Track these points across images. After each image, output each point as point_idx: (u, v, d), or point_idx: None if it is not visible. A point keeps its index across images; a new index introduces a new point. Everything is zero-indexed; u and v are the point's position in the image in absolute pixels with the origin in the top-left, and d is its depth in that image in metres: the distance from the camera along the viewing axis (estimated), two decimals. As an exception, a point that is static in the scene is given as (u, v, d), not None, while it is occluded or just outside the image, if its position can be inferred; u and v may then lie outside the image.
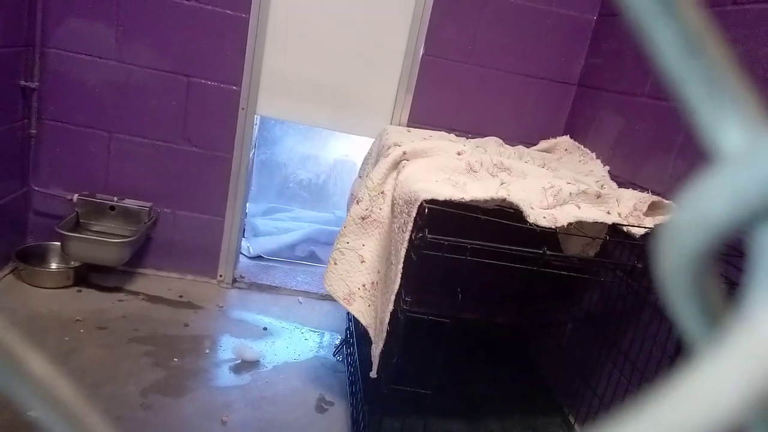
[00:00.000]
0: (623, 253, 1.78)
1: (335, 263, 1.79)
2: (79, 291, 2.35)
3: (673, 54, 0.18)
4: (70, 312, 2.18)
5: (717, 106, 0.17)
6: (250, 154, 2.53)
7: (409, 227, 1.44)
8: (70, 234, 2.29)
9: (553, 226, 1.41)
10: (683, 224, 0.17)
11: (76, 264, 2.37)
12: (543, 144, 2.44)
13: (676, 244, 0.17)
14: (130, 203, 2.46)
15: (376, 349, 1.60)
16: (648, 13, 0.18)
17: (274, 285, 2.72)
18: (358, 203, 1.76)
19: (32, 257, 2.39)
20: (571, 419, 1.99)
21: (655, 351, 1.62)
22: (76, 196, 2.42)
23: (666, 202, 1.62)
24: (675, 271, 0.17)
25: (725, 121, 0.17)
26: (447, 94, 2.46)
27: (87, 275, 2.42)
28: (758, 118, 0.17)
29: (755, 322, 0.15)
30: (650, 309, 1.68)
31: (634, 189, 1.80)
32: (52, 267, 2.45)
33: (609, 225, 1.55)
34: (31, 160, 2.39)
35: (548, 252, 1.42)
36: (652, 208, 1.60)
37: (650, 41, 0.18)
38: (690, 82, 0.18)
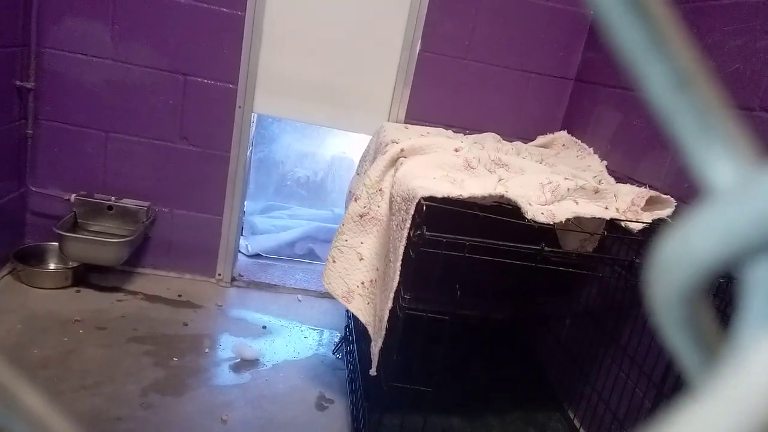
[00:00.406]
0: (621, 248, 1.79)
1: (334, 261, 1.79)
2: (78, 291, 2.34)
3: (664, 90, 0.18)
4: (69, 312, 2.18)
5: (707, 142, 0.17)
6: (248, 152, 2.53)
7: (408, 224, 1.44)
8: (68, 234, 2.29)
9: (551, 222, 1.41)
10: (673, 260, 0.17)
11: (75, 264, 2.37)
12: (540, 139, 2.43)
13: (667, 279, 0.17)
14: (127, 203, 2.45)
15: (376, 347, 1.60)
16: (638, 50, 0.18)
17: (273, 283, 2.72)
18: (356, 201, 1.76)
19: (30, 258, 2.39)
20: (571, 414, 2.00)
21: (654, 345, 1.62)
22: (73, 196, 2.42)
23: (664, 196, 1.62)
24: (666, 304, 0.17)
25: (715, 157, 0.17)
26: (444, 90, 2.46)
27: (85, 275, 2.42)
28: (748, 154, 0.17)
29: (746, 363, 0.15)
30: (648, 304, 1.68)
31: (631, 184, 1.80)
32: (51, 267, 2.45)
33: (607, 220, 1.55)
34: (28, 160, 2.39)
35: (546, 248, 1.42)
36: (650, 203, 1.60)
37: (641, 77, 0.18)
38: (680, 117, 0.18)
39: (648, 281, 0.18)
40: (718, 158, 0.17)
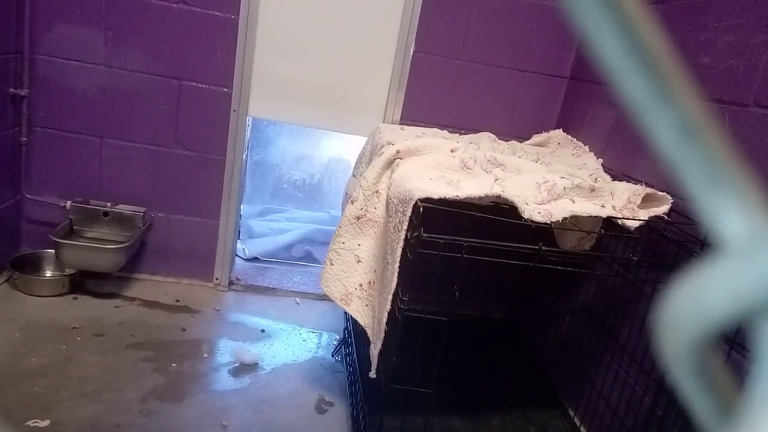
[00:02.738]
0: (618, 245, 1.79)
1: (331, 264, 1.79)
2: (75, 298, 2.33)
3: (671, 140, 0.17)
4: (66, 320, 2.17)
5: (717, 194, 0.17)
6: (243, 156, 2.52)
7: (405, 226, 1.44)
8: (64, 241, 2.28)
9: (548, 222, 1.41)
10: (683, 313, 0.16)
11: (71, 271, 2.36)
12: (536, 138, 2.44)
13: (677, 331, 0.17)
14: (123, 208, 2.45)
15: (375, 349, 1.60)
16: (644, 100, 0.17)
17: (271, 286, 2.72)
18: (352, 203, 1.76)
19: (27, 265, 2.38)
20: (571, 412, 2.00)
21: (653, 343, 1.62)
22: (69, 202, 2.41)
23: (660, 193, 1.62)
24: (677, 354, 0.17)
25: (726, 210, 0.17)
26: (439, 90, 2.46)
27: (82, 282, 2.41)
28: (758, 207, 0.17)
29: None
30: (647, 301, 1.69)
31: (627, 181, 1.80)
32: (47, 275, 2.44)
33: (604, 218, 1.55)
34: (23, 167, 2.38)
35: (544, 247, 1.42)
36: (647, 201, 1.60)
37: (647, 127, 0.17)
38: (688, 169, 0.17)
39: (658, 331, 0.17)
40: (729, 211, 0.17)
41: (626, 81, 0.17)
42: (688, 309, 0.16)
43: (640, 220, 1.52)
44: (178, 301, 2.45)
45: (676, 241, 1.55)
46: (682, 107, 0.17)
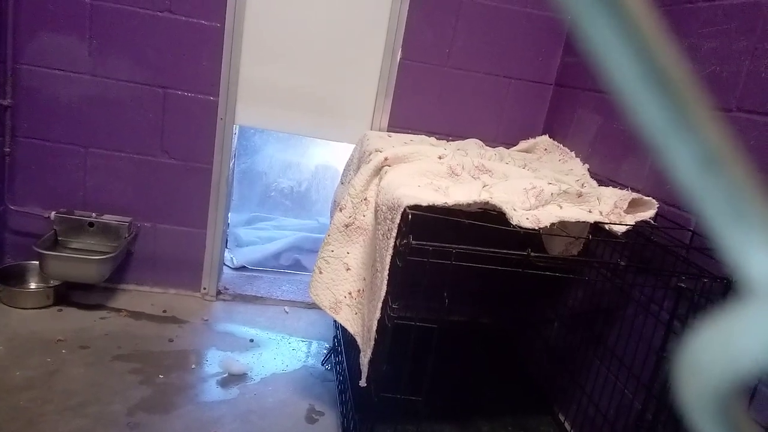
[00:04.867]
0: (606, 250, 1.80)
1: (320, 272, 1.78)
2: (60, 310, 2.30)
3: (692, 171, 0.16)
4: (51, 332, 2.14)
5: (742, 229, 0.15)
6: (230, 164, 2.51)
7: (393, 233, 1.44)
8: (49, 252, 2.25)
9: (537, 227, 1.42)
10: (708, 359, 0.15)
11: (56, 283, 2.33)
12: (523, 144, 2.45)
13: (701, 378, 0.16)
14: (108, 219, 2.42)
15: (365, 358, 1.59)
16: (663, 127, 0.16)
17: (260, 295, 2.70)
18: (341, 211, 1.76)
19: (11, 277, 2.35)
20: (561, 417, 2.00)
21: (642, 346, 1.63)
22: (53, 213, 2.38)
23: (646, 198, 1.63)
24: (700, 402, 0.16)
25: (752, 246, 0.15)
26: (426, 97, 2.47)
27: (67, 294, 2.38)
28: None
29: None
30: (635, 305, 1.70)
31: (614, 187, 1.82)
32: (32, 287, 2.40)
33: (591, 224, 1.56)
34: (6, 178, 2.35)
35: (532, 253, 1.42)
36: (633, 205, 1.61)
37: (666, 156, 0.16)
38: (712, 201, 0.16)
39: (680, 375, 0.17)
40: (755, 247, 0.15)
41: (643, 107, 0.16)
42: (714, 354, 0.15)
43: (626, 224, 1.53)
44: (165, 311, 2.43)
45: (663, 245, 1.56)
46: (703, 135, 0.16)
